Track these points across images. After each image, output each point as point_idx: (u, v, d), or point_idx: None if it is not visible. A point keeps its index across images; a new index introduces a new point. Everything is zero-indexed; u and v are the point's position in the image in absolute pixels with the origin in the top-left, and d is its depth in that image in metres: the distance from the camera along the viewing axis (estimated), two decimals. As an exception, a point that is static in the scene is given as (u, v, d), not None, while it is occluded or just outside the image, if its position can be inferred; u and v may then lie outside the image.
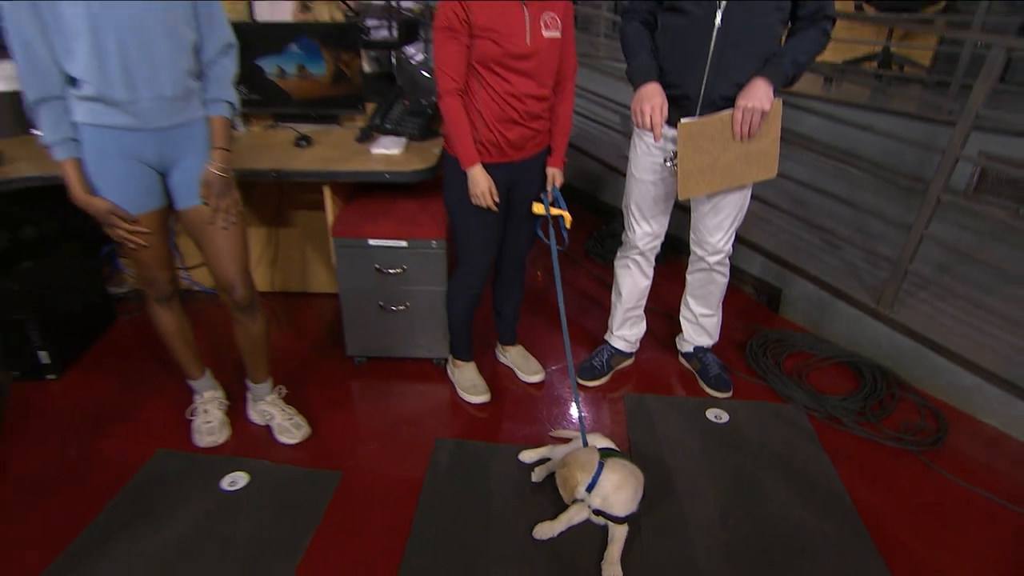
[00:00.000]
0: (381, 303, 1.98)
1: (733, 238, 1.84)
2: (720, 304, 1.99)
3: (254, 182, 1.91)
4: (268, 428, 1.83)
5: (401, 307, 1.98)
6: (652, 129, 1.57)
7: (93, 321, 2.26)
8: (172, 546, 1.48)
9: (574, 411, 1.93)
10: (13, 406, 1.89)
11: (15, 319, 1.91)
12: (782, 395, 2.00)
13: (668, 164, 1.72)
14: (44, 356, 1.99)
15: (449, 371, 2.07)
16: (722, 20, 1.50)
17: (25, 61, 1.24)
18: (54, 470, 1.69)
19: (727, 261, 1.88)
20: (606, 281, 2.18)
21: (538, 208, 1.74)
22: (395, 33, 2.88)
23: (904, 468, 1.76)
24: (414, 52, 3.11)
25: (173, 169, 1.45)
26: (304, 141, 2.05)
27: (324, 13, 2.43)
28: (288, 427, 1.80)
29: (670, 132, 1.65)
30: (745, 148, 1.60)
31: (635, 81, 1.62)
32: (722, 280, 1.92)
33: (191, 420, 1.81)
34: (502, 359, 2.18)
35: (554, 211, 1.73)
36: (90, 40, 1.22)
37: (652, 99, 1.55)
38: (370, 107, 2.20)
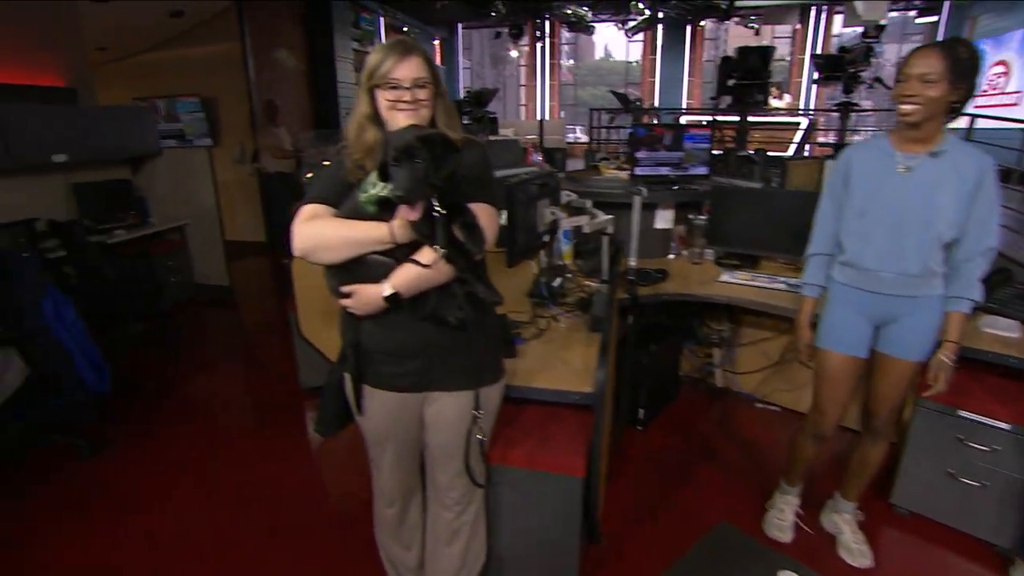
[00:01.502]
0: (951, 471, 2.04)
1: None
2: None
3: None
4: (820, 540, 2.09)
5: (975, 483, 2.00)
6: None
7: (667, 392, 3.00)
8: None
9: None
10: (623, 443, 2.68)
11: (633, 384, 2.72)
12: None
13: None
14: (641, 413, 2.76)
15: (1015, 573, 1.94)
16: None
17: (819, 228, 1.84)
18: (643, 504, 2.31)
19: None
20: None
21: None
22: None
23: None
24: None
25: (890, 324, 1.76)
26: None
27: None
28: (853, 549, 2.01)
29: None
30: None
31: None
32: None
33: (766, 510, 2.19)
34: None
35: None
36: (860, 222, 1.71)
37: None
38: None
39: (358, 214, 1.23)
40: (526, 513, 1.75)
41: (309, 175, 6.42)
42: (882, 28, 5.91)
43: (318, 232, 1.24)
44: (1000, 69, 8.53)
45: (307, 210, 1.28)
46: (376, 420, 1.44)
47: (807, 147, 8.34)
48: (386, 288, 1.23)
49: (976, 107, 8.70)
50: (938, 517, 2.14)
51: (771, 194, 2.77)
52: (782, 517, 2.13)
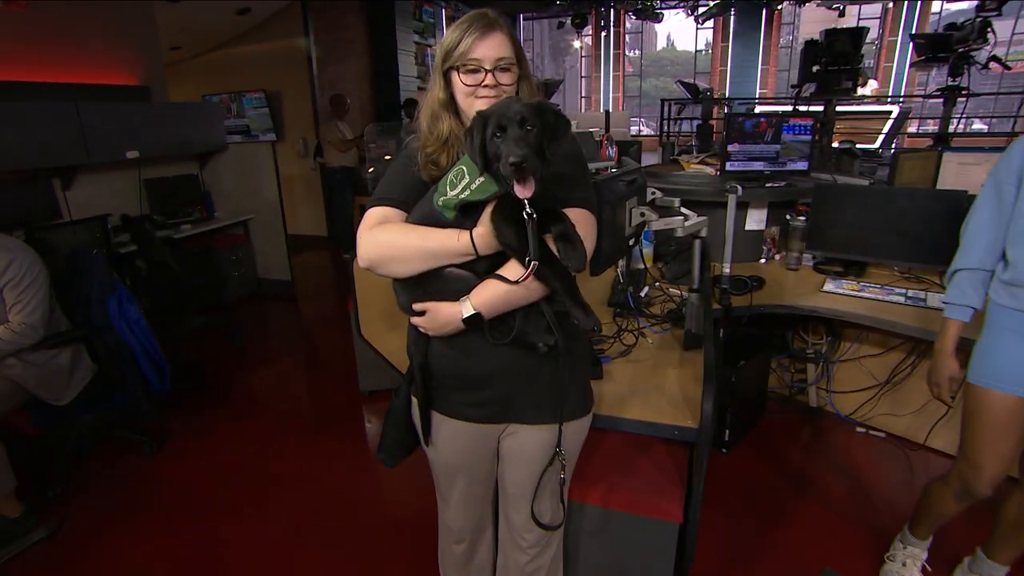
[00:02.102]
0: None
1: None
2: None
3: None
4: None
5: None
6: None
7: (753, 412, 2.71)
8: None
9: None
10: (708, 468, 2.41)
11: (720, 403, 2.45)
12: None
13: None
14: (726, 434, 2.49)
15: None
16: None
17: (976, 237, 1.46)
18: (735, 541, 2.05)
19: None
20: None
21: None
22: None
23: None
24: None
25: None
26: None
27: None
28: (999, 621, 1.68)
29: None
30: None
31: None
32: None
33: (884, 561, 1.87)
34: None
35: None
36: None
37: None
38: None
39: (433, 219, 1.04)
40: (611, 557, 1.55)
41: (371, 170, 6.39)
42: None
43: (388, 241, 1.06)
44: None
45: (374, 214, 1.10)
46: (445, 452, 1.26)
47: (896, 139, 7.62)
48: (466, 307, 1.03)
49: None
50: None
51: (887, 193, 2.41)
52: (907, 573, 1.82)
